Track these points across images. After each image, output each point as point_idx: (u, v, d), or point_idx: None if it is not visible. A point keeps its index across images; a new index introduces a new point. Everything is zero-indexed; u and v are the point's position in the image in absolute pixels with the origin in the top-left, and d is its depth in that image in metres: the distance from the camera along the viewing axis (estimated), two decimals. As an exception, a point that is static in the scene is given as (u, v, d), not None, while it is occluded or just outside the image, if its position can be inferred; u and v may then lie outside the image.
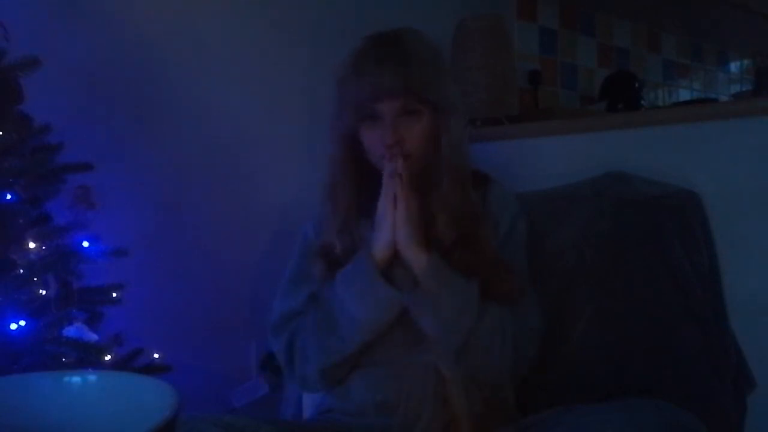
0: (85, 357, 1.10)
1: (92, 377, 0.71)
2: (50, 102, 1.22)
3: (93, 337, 1.14)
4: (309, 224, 1.18)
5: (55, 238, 1.14)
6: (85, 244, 1.18)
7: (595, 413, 0.85)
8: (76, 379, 0.70)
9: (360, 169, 1.09)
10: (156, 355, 1.29)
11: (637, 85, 2.57)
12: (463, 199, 1.05)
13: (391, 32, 1.07)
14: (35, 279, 1.11)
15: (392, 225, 1.00)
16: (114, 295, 1.24)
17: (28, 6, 1.34)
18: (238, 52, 1.69)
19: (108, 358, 1.13)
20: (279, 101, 1.74)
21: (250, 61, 1.71)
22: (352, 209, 1.08)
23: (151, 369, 1.25)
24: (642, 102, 2.58)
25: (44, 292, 1.12)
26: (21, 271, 1.09)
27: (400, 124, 1.03)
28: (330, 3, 1.86)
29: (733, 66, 3.74)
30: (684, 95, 3.35)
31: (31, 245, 1.11)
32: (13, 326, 1.06)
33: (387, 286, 0.99)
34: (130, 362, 1.23)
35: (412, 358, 1.03)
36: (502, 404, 1.02)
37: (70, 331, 1.10)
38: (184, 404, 0.58)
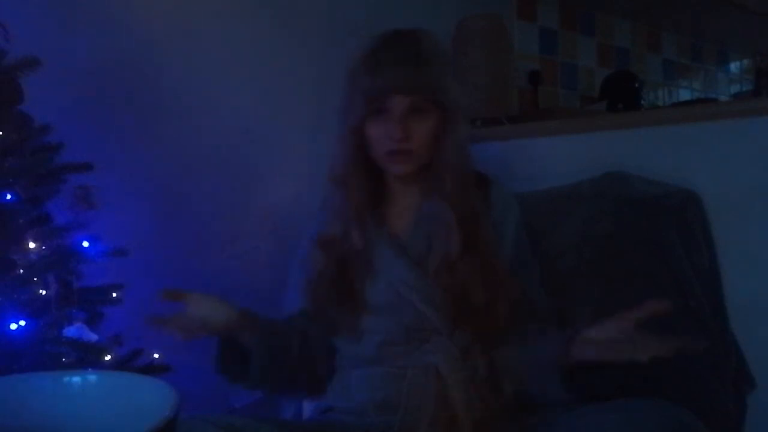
0: (85, 357, 1.09)
1: (92, 377, 0.71)
2: (50, 102, 1.21)
3: (93, 337, 1.13)
4: (313, 223, 1.18)
5: (55, 238, 1.14)
6: (85, 244, 1.18)
7: (595, 413, 0.85)
8: (76, 379, 0.70)
9: (366, 164, 1.09)
10: (156, 355, 1.29)
11: (637, 85, 2.56)
12: (464, 201, 1.06)
13: (409, 31, 1.07)
14: (35, 279, 1.11)
15: None
16: (114, 295, 1.24)
17: (28, 6, 1.34)
18: (239, 51, 1.68)
19: (108, 358, 1.13)
20: (280, 101, 1.74)
21: (250, 61, 1.71)
22: (364, 201, 1.09)
23: (150, 369, 1.24)
24: (642, 102, 2.58)
25: (44, 292, 1.12)
26: (21, 271, 1.09)
27: (407, 120, 1.03)
28: (331, 2, 1.86)
29: (733, 66, 3.73)
30: (684, 95, 3.35)
31: (31, 245, 1.11)
32: (13, 326, 1.06)
33: None
34: (130, 362, 1.23)
35: (413, 359, 1.03)
36: (502, 405, 1.02)
37: (70, 331, 1.10)
38: (184, 404, 0.58)
